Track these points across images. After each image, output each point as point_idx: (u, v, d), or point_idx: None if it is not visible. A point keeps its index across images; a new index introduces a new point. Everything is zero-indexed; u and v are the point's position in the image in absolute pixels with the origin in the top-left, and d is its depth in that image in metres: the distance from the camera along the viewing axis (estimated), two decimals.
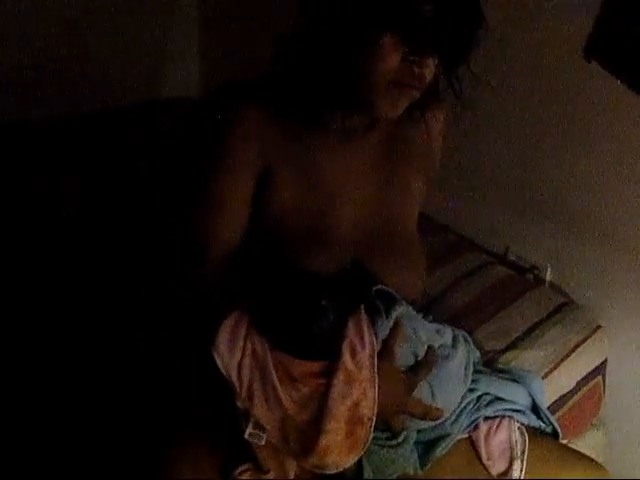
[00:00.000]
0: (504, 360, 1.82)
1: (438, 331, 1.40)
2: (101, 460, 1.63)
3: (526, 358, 1.85)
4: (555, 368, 1.88)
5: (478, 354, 1.55)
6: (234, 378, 1.20)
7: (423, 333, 1.33)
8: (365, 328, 1.22)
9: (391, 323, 1.27)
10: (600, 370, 2.01)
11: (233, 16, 3.01)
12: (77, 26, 2.83)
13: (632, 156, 1.90)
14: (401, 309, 1.30)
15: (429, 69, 1.21)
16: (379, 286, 1.32)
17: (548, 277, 2.16)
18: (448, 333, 1.42)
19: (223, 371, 1.20)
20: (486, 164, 2.27)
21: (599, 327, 2.02)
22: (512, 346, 1.88)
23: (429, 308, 1.80)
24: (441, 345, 1.37)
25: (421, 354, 1.31)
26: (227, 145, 1.33)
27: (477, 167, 2.27)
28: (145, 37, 3.07)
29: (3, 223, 2.21)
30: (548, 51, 2.00)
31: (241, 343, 1.21)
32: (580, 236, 2.07)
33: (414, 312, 1.36)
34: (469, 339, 1.50)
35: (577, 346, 1.95)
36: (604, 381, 2.03)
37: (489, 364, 1.77)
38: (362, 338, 1.21)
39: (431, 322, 1.43)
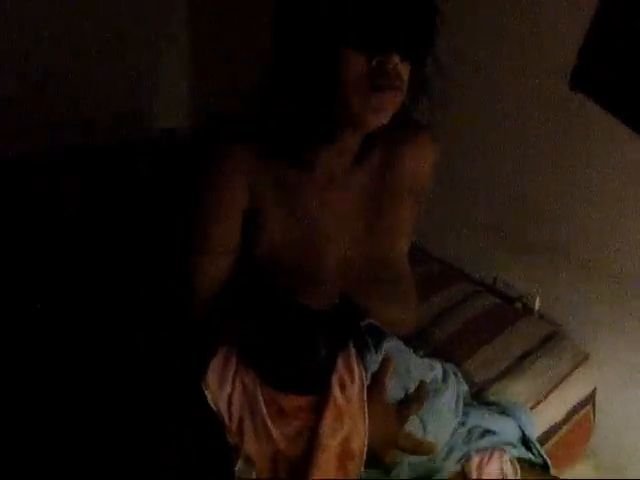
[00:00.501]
0: (494, 391, 1.82)
1: (429, 365, 1.39)
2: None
3: (515, 388, 1.85)
4: (545, 398, 1.87)
5: (467, 387, 1.55)
6: (224, 413, 1.20)
7: (413, 367, 1.33)
8: (354, 363, 1.22)
9: (380, 357, 1.27)
10: (590, 399, 2.00)
11: (223, 47, 3.03)
12: (68, 58, 2.86)
13: (618, 187, 1.91)
14: (391, 343, 1.30)
15: (403, 66, 1.21)
16: (368, 321, 1.32)
17: (536, 306, 2.16)
18: (438, 368, 1.41)
19: (213, 406, 1.20)
20: (474, 194, 2.28)
21: (588, 356, 2.02)
22: (501, 376, 1.88)
23: (418, 338, 1.80)
24: (432, 379, 1.37)
25: (411, 388, 1.31)
26: (215, 185, 1.34)
27: (465, 197, 2.28)
28: (135, 68, 3.11)
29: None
30: (536, 80, 2.03)
31: (231, 378, 1.21)
32: (568, 265, 2.08)
33: (404, 346, 1.36)
34: (458, 372, 1.50)
35: (566, 375, 1.95)
36: (594, 410, 2.02)
37: (478, 395, 1.77)
38: (352, 372, 1.21)
39: (422, 357, 1.43)
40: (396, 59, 1.19)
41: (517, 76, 2.07)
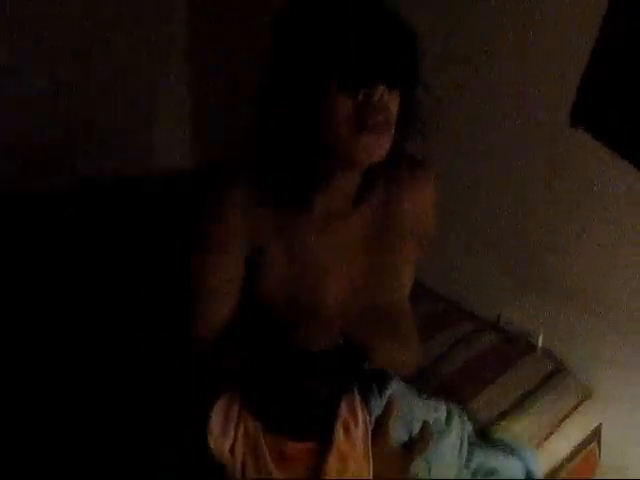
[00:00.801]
0: (498, 429, 1.81)
1: (433, 407, 1.39)
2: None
3: (520, 426, 1.83)
4: (550, 435, 1.86)
5: (471, 427, 1.54)
6: (227, 460, 1.20)
7: (417, 409, 1.33)
8: (358, 407, 1.22)
9: (384, 401, 1.27)
10: (595, 435, 1.99)
11: (224, 86, 3.06)
12: (68, 96, 2.89)
13: (620, 220, 1.91)
14: (394, 386, 1.30)
15: (390, 98, 1.21)
16: (372, 364, 1.32)
17: (540, 344, 2.15)
18: (442, 409, 1.41)
19: (216, 453, 1.20)
20: (477, 232, 2.28)
21: (592, 392, 2.02)
22: (506, 415, 1.86)
23: (421, 377, 1.80)
24: (435, 420, 1.36)
25: (415, 431, 1.30)
26: (216, 228, 1.35)
27: (468, 235, 2.29)
28: (136, 107, 3.14)
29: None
30: (534, 115, 2.04)
31: (234, 423, 1.21)
32: (572, 302, 2.07)
33: (407, 389, 1.36)
34: (463, 412, 1.50)
35: (571, 412, 1.94)
36: (599, 446, 2.01)
37: (483, 434, 1.75)
38: (355, 417, 1.21)
39: (425, 398, 1.42)
40: (381, 89, 1.18)
41: (515, 111, 2.09)
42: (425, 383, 1.55)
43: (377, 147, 1.22)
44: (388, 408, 1.27)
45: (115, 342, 1.88)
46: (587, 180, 1.96)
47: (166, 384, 1.55)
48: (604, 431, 2.01)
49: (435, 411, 1.39)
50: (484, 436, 1.74)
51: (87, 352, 1.87)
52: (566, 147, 1.97)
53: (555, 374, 2.04)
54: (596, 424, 2.00)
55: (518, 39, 2.02)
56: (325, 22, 1.19)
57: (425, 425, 1.32)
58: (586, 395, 2.01)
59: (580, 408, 1.96)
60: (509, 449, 1.57)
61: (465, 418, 1.49)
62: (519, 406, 1.90)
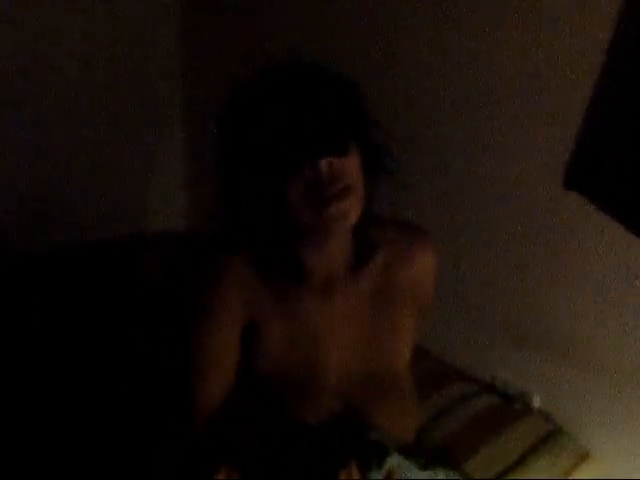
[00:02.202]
0: None
1: (431, 478, 1.38)
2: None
3: None
4: None
5: None
6: None
7: None
8: None
9: (383, 475, 1.26)
10: None
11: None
12: (63, 162, 2.94)
13: (614, 282, 1.92)
14: (393, 461, 1.29)
15: (343, 161, 1.20)
16: (370, 435, 1.31)
17: (536, 405, 2.15)
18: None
19: None
20: (471, 292, 2.29)
21: (588, 454, 2.00)
22: (502, 476, 1.86)
23: (416, 438, 1.79)
24: None
25: None
26: (211, 303, 1.34)
27: (461, 295, 2.29)
28: (130, 169, 3.18)
29: None
30: (527, 180, 2.07)
31: None
32: (567, 362, 2.07)
33: (406, 461, 1.34)
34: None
35: (567, 474, 1.93)
36: None
37: None
38: None
39: (423, 467, 1.41)
40: (325, 163, 1.19)
41: (512, 175, 2.12)
42: (420, 444, 1.54)
43: (342, 214, 1.21)
44: None
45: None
46: (584, 239, 1.97)
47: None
48: None
49: None
50: None
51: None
52: (562, 204, 1.97)
53: (551, 435, 2.03)
54: None
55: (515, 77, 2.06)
56: (253, 117, 1.23)
57: None
58: (583, 456, 1.99)
59: (577, 470, 1.95)
60: None
61: None
62: (515, 468, 1.90)
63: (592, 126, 1.83)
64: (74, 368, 1.86)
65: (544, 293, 2.11)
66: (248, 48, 2.90)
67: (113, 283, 2.50)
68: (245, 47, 2.95)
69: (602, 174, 1.82)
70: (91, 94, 2.98)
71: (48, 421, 1.76)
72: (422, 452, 1.48)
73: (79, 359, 1.91)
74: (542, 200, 2.05)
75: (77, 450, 1.68)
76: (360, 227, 1.30)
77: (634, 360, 1.93)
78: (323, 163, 1.18)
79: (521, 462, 1.92)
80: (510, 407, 2.16)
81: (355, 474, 1.23)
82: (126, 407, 1.71)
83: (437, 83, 2.25)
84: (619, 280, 1.92)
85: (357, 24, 2.43)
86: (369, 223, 1.33)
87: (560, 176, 1.87)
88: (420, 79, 2.29)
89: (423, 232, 1.47)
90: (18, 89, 2.77)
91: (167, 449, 1.35)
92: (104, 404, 1.74)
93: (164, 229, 3.18)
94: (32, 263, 2.60)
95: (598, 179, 1.85)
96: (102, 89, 3.02)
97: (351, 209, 1.21)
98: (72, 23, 2.87)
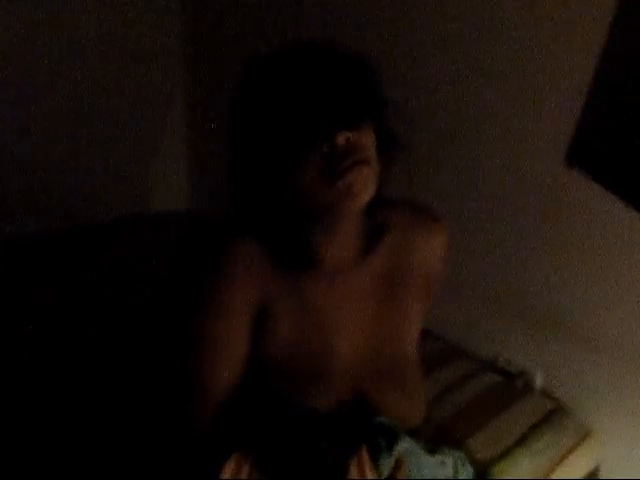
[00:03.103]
0: (497, 470, 1.81)
1: (440, 463, 1.38)
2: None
3: (519, 467, 1.84)
4: (548, 476, 1.87)
5: (472, 470, 1.53)
6: None
7: (426, 467, 1.32)
8: (367, 468, 1.20)
9: (393, 461, 1.25)
10: (593, 476, 2.00)
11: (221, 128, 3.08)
12: (65, 146, 2.94)
13: (618, 258, 1.93)
14: (403, 445, 1.28)
15: (359, 135, 1.19)
16: (380, 419, 1.30)
17: (538, 383, 2.16)
18: (449, 463, 1.40)
19: None
20: (474, 272, 2.28)
21: (590, 432, 2.02)
22: (504, 455, 1.87)
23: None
24: (444, 477, 1.36)
25: None
26: (223, 287, 1.30)
27: (465, 275, 2.28)
28: (134, 150, 3.18)
29: None
30: (532, 155, 2.06)
31: None
32: (569, 341, 2.08)
33: (416, 446, 1.34)
34: (465, 459, 1.49)
35: (569, 452, 1.94)
36: None
37: (482, 475, 1.76)
38: (364, 479, 1.19)
39: (432, 452, 1.41)
40: (342, 135, 1.17)
41: (512, 152, 2.11)
42: (424, 423, 1.54)
43: (358, 188, 1.18)
44: (397, 469, 1.26)
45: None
46: (585, 217, 1.97)
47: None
48: (603, 471, 2.02)
49: (443, 467, 1.38)
50: (483, 477, 1.74)
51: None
52: (564, 182, 1.98)
53: (554, 414, 2.04)
54: (595, 464, 2.00)
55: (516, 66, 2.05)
56: (268, 93, 1.21)
57: None
58: (585, 435, 2.01)
59: (579, 448, 1.96)
60: None
61: (468, 466, 1.48)
62: (518, 446, 1.91)
63: (595, 104, 1.83)
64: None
65: (546, 272, 2.10)
66: (253, 31, 2.89)
67: (115, 264, 2.50)
68: (250, 30, 2.93)
69: (604, 153, 1.83)
70: (92, 74, 2.97)
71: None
72: (423, 427, 1.48)
73: (79, 344, 1.90)
74: (544, 178, 2.04)
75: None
76: (371, 210, 1.29)
77: (636, 339, 1.93)
78: (340, 137, 1.17)
79: (523, 441, 1.93)
80: (512, 386, 2.17)
81: (366, 460, 1.22)
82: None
83: (440, 55, 2.23)
84: (621, 259, 1.92)
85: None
86: (379, 206, 1.32)
87: (563, 154, 1.91)
88: (423, 50, 2.28)
89: (434, 215, 1.45)
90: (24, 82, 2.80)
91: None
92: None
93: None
94: (32, 242, 2.59)
95: (600, 156, 1.86)
96: (103, 69, 3.00)
97: (367, 182, 1.19)
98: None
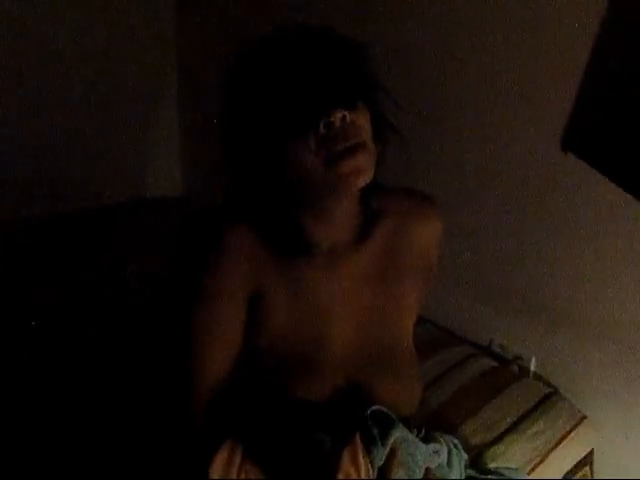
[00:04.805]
0: (491, 455, 1.81)
1: (434, 452, 1.38)
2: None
3: (513, 452, 1.84)
4: (543, 460, 1.86)
5: (466, 456, 1.53)
6: None
7: (420, 456, 1.31)
8: (360, 457, 1.20)
9: (387, 449, 1.25)
10: (587, 460, 2.00)
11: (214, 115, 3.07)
12: (61, 133, 2.95)
13: (614, 246, 1.93)
14: (397, 434, 1.27)
15: (355, 116, 1.18)
16: (374, 408, 1.29)
17: (532, 368, 2.16)
18: (444, 451, 1.40)
19: None
20: (468, 257, 2.27)
21: (585, 417, 2.02)
22: (498, 440, 1.87)
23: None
24: (438, 465, 1.36)
25: (418, 477, 1.29)
26: (217, 273, 1.29)
27: (459, 260, 2.27)
28: (128, 136, 3.20)
29: None
30: (529, 143, 2.05)
31: (235, 473, 1.19)
32: (564, 326, 2.08)
33: (410, 435, 1.33)
34: (459, 445, 1.49)
35: (564, 437, 1.94)
36: (592, 471, 2.02)
37: (476, 460, 1.76)
38: (358, 467, 1.18)
39: (426, 440, 1.40)
40: (339, 113, 1.16)
41: (510, 139, 2.10)
42: (418, 409, 1.53)
43: (357, 169, 1.17)
44: (391, 458, 1.25)
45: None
46: (579, 203, 1.97)
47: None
48: (597, 456, 2.02)
49: (438, 455, 1.38)
50: (477, 462, 1.74)
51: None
52: (559, 167, 1.98)
53: (548, 398, 2.04)
54: (589, 449, 2.01)
55: (515, 53, 2.04)
56: (262, 76, 1.19)
57: (429, 472, 1.31)
58: (579, 420, 2.01)
59: (573, 433, 1.97)
60: (503, 477, 1.56)
61: (462, 452, 1.49)
62: (512, 431, 1.91)
63: (591, 89, 1.82)
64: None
65: (542, 257, 2.10)
66: (245, 19, 2.88)
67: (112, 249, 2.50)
68: (242, 18, 2.93)
69: (599, 137, 1.82)
70: (86, 62, 2.99)
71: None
72: (418, 413, 1.48)
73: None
74: (540, 164, 2.04)
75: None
76: (366, 196, 1.28)
77: (630, 325, 1.93)
78: (337, 116, 1.15)
79: (517, 426, 1.93)
80: (506, 371, 2.18)
81: (359, 449, 1.21)
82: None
83: (437, 40, 2.22)
84: (617, 245, 1.92)
85: None
86: (375, 192, 1.31)
87: (559, 138, 1.90)
88: (420, 38, 2.26)
89: (429, 201, 1.44)
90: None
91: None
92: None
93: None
94: (30, 228, 2.58)
95: (595, 141, 1.85)
96: (97, 57, 3.02)
97: (365, 164, 1.18)
98: None
